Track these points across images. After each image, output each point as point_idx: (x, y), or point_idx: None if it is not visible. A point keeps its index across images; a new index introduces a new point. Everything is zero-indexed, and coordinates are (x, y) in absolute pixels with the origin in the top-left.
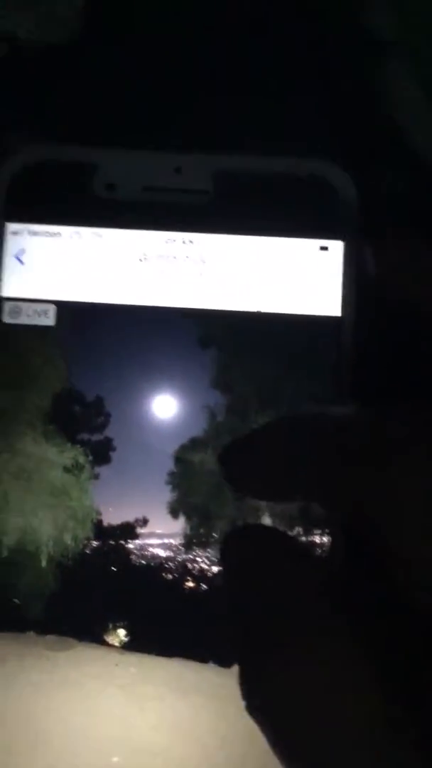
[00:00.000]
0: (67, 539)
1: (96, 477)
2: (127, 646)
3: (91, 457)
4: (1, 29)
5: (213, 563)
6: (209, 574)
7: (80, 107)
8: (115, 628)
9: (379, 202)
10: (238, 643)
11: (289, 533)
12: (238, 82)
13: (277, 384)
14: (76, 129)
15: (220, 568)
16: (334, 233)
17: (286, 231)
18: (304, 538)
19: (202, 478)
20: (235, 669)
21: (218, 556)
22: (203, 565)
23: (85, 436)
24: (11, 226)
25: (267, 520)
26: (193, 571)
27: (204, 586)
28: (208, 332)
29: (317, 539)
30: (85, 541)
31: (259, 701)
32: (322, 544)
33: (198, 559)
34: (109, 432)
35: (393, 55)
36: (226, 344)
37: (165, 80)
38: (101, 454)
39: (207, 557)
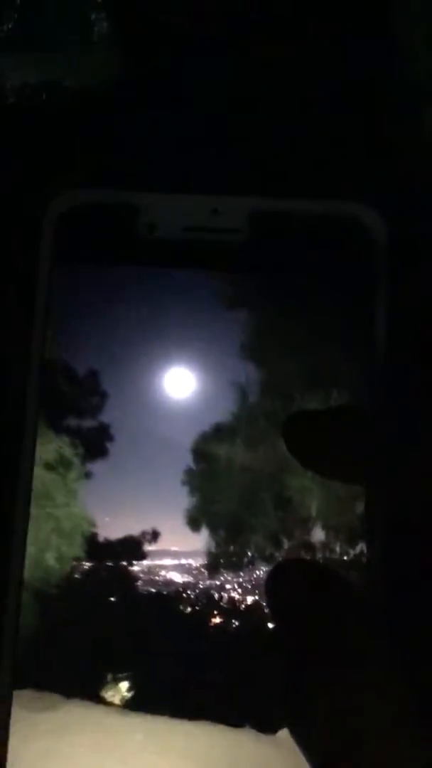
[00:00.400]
0: (50, 559)
1: (88, 476)
2: (131, 705)
3: (81, 450)
4: (44, 77)
5: (248, 592)
6: (242, 605)
7: (122, 150)
8: (116, 680)
9: (409, 242)
10: (286, 674)
11: (340, 565)
12: (276, 126)
13: (328, 357)
14: (118, 172)
15: (261, 601)
16: (366, 271)
17: (318, 268)
18: (360, 549)
19: (231, 478)
20: (282, 734)
21: (263, 590)
22: (234, 594)
23: (73, 422)
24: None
25: (319, 533)
26: (222, 602)
27: (236, 623)
28: (237, 288)
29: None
30: (74, 563)
31: (305, 721)
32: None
33: (227, 586)
34: (105, 416)
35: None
36: (260, 303)
37: (203, 122)
38: (95, 445)
39: (239, 583)
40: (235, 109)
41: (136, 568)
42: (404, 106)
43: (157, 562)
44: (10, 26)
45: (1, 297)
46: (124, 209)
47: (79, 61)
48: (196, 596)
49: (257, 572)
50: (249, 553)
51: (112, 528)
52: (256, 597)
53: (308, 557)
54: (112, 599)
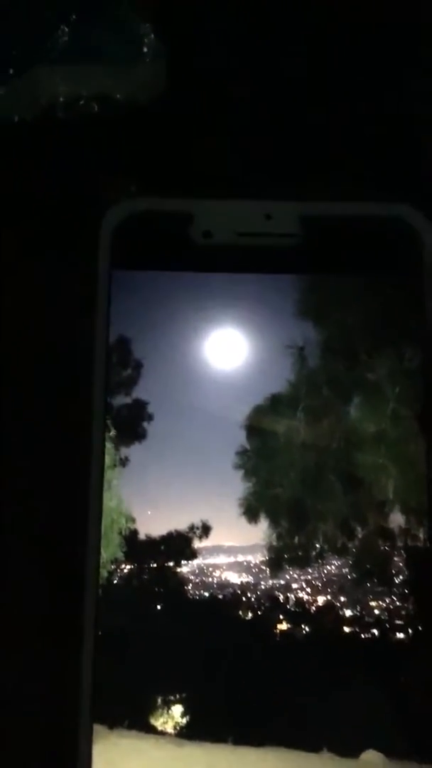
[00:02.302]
0: None
1: (124, 463)
2: (187, 734)
3: (114, 432)
4: (95, 90)
5: (318, 591)
6: (313, 607)
7: (174, 158)
8: (167, 704)
9: None
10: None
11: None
12: (327, 137)
13: (395, 313)
14: (172, 180)
15: (334, 601)
16: (413, 271)
17: (366, 269)
18: None
19: (292, 457)
20: (366, 756)
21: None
22: (303, 594)
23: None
24: None
25: (398, 517)
26: (288, 605)
27: (306, 628)
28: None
29: None
30: (112, 565)
31: None
32: None
33: (294, 585)
34: (141, 392)
35: None
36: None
37: (253, 130)
38: (130, 426)
39: (308, 581)
40: (283, 116)
41: (185, 570)
42: None
43: (210, 560)
44: (65, 39)
45: (66, 301)
46: (179, 217)
47: (129, 73)
48: (258, 599)
49: (328, 567)
50: (317, 545)
51: (154, 523)
52: (329, 597)
53: (386, 546)
54: (159, 608)
